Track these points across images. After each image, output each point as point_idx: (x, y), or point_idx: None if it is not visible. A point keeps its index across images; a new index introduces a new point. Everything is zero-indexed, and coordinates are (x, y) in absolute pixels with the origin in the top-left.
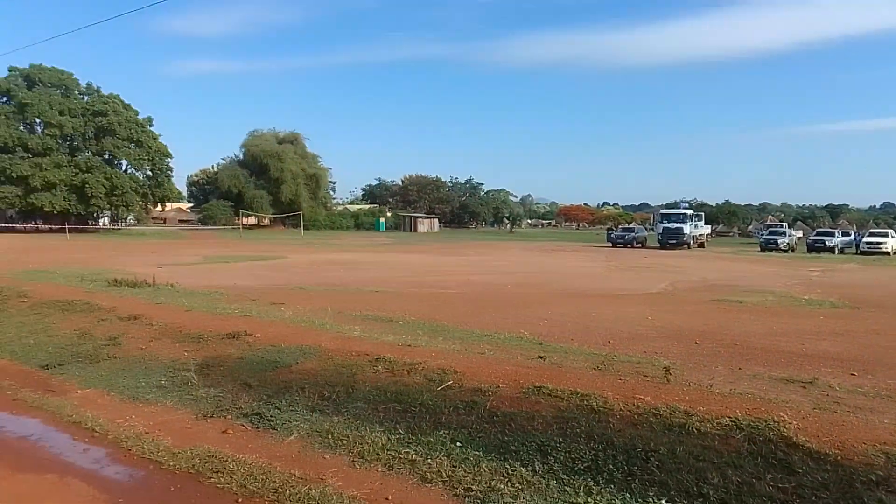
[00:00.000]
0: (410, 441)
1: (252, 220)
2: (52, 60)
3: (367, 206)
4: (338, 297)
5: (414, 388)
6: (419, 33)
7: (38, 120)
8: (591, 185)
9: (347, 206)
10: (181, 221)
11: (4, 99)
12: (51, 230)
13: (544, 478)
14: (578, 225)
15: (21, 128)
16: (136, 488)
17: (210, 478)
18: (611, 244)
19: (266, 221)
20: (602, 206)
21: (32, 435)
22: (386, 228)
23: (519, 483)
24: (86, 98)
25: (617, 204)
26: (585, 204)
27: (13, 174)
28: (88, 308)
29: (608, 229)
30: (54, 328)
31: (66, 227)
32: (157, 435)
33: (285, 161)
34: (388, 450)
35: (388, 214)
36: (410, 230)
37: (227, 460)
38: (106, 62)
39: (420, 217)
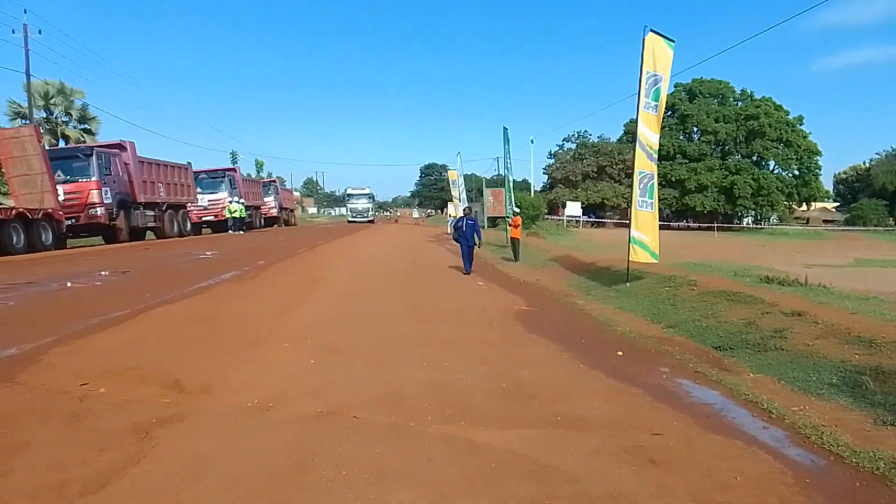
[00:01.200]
0: None
1: None
2: (712, 73)
3: None
4: None
5: None
6: None
7: (695, 128)
8: None
9: None
10: (825, 221)
11: (669, 113)
12: (699, 228)
13: None
14: None
15: (680, 137)
16: (819, 474)
17: None
18: None
19: None
20: None
21: (715, 404)
22: None
23: None
24: (739, 104)
25: None
26: None
27: (672, 178)
28: (751, 300)
29: None
30: (721, 315)
31: (715, 225)
32: (833, 430)
33: None
34: None
35: None
36: None
37: None
38: (758, 67)
39: None
